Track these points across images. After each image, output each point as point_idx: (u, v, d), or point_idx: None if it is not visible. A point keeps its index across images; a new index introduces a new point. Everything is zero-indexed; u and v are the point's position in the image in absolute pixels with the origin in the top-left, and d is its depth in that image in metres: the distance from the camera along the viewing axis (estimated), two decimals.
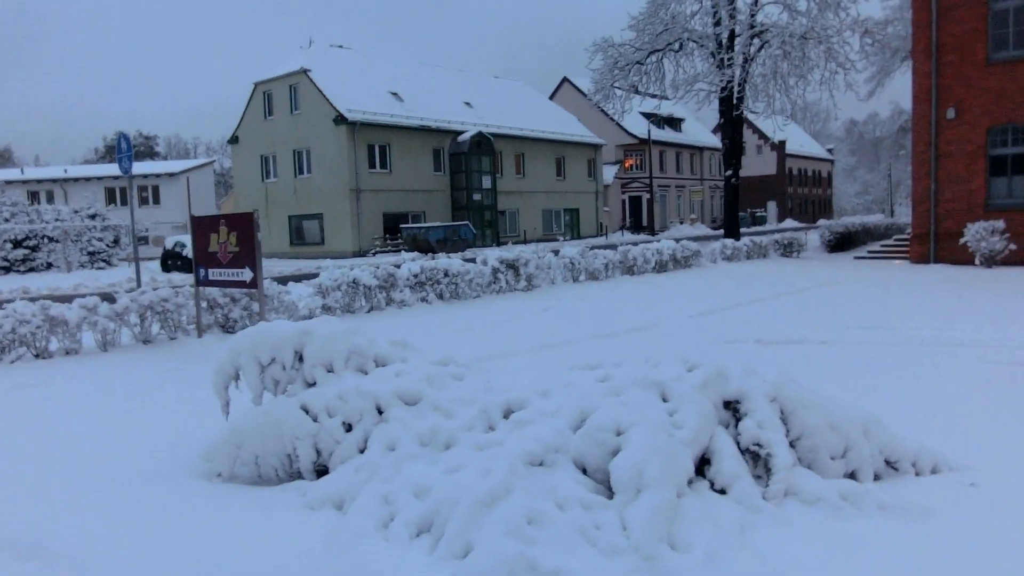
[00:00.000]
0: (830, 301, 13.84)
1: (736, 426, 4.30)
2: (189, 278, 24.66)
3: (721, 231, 55.58)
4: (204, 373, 8.34)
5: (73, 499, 4.44)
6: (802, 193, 77.86)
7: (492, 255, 15.13)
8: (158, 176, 54.14)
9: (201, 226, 10.36)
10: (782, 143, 70.98)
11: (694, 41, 30.09)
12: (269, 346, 4.70)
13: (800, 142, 78.73)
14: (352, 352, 4.79)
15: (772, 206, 72.87)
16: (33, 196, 52.32)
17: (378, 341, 5.03)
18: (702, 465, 4.11)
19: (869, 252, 24.70)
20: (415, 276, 13.64)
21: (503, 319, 12.43)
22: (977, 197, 20.20)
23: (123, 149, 12.07)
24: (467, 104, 43.33)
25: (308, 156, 38.13)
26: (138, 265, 12.24)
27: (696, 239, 27.14)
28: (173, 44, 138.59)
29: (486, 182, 41.30)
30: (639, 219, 57.64)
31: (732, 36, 28.84)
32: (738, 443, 4.22)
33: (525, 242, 42.78)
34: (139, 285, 11.47)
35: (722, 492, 3.96)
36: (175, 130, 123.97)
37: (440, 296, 14.10)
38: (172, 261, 31.09)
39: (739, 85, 28.87)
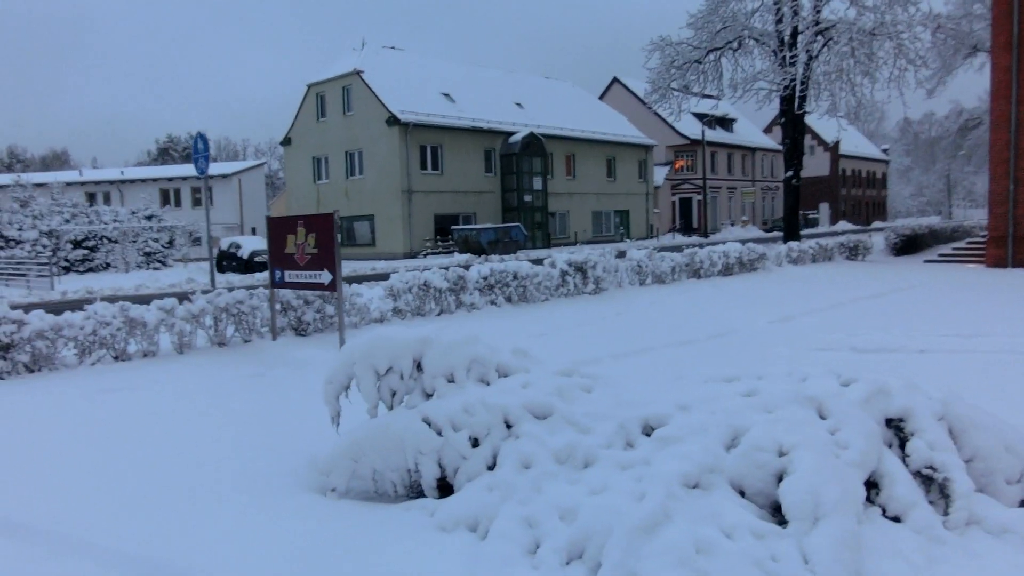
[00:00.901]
0: (912, 306, 13.25)
1: (902, 447, 3.93)
2: (246, 279, 24.92)
3: (773, 233, 54.49)
4: (286, 378, 8.25)
5: (185, 515, 4.28)
6: (856, 195, 75.96)
7: (560, 258, 14.83)
8: (211, 178, 55.03)
9: (277, 227, 10.27)
10: (836, 144, 69.32)
11: (754, 39, 29.41)
12: (387, 354, 4.48)
13: (855, 143, 76.83)
14: (473, 361, 4.54)
15: (825, 208, 71.21)
16: (91, 197, 53.64)
17: (499, 350, 4.78)
18: (868, 490, 3.75)
19: (940, 256, 23.79)
20: (484, 279, 13.42)
21: (576, 324, 12.14)
22: None
23: (200, 149, 12.08)
24: (518, 105, 43.13)
25: (360, 157, 38.32)
26: (213, 266, 12.23)
27: (749, 242, 26.42)
28: (221, 47, 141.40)
29: (536, 183, 41.03)
30: (689, 221, 56.79)
31: (795, 33, 28.09)
32: (906, 465, 3.85)
33: (576, 244, 42.39)
34: (213, 287, 11.44)
35: (895, 520, 3.60)
36: (224, 132, 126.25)
37: (508, 299, 13.86)
38: (227, 262, 31.50)
39: (801, 84, 28.11)
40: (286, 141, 43.20)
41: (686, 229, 55.84)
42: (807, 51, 27.78)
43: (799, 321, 12.15)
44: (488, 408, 4.21)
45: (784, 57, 27.98)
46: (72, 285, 24.35)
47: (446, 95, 39.36)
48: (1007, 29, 19.99)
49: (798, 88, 28.26)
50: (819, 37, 27.85)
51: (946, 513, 3.65)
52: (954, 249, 24.10)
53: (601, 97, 56.78)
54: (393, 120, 35.35)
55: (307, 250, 9.72)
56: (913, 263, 23.41)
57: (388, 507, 4.23)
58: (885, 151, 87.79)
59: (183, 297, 10.65)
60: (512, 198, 40.42)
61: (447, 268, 13.27)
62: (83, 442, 5.90)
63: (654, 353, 9.64)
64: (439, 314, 12.80)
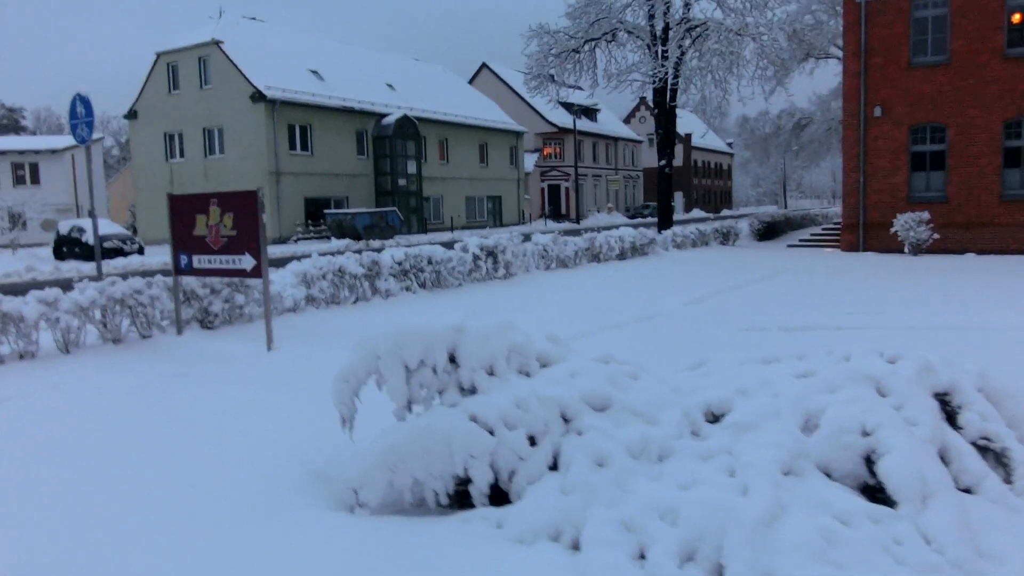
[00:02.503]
0: (803, 288, 14.06)
1: (950, 420, 4.03)
2: (90, 266, 22.35)
3: (647, 220, 56.63)
4: (218, 378, 7.44)
5: (192, 546, 3.67)
6: (706, 184, 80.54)
7: (472, 242, 14.53)
8: (37, 152, 49.31)
9: (182, 206, 9.28)
10: (688, 136, 73.05)
11: (628, 32, 30.19)
12: (419, 346, 4.05)
13: (704, 136, 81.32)
14: (512, 350, 4.20)
15: (679, 196, 74.95)
16: None
17: (534, 337, 4.46)
18: None
19: (800, 241, 25.59)
20: (399, 264, 12.89)
21: (499, 310, 11.90)
22: (900, 191, 21.20)
23: (80, 114, 10.59)
24: (389, 86, 42.04)
25: (221, 135, 35.91)
26: (99, 253, 10.84)
27: (616, 228, 27.13)
28: (49, 5, 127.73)
29: (411, 167, 40.24)
30: (558, 207, 57.89)
31: (667, 29, 29.10)
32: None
33: (452, 229, 42.06)
34: (100, 275, 10.18)
35: (966, 491, 3.67)
36: (44, 102, 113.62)
37: (423, 285, 13.41)
38: (68, 248, 28.20)
39: (673, 78, 29.19)
40: (131, 114, 39.69)
41: (555, 215, 56.89)
42: (679, 46, 28.88)
43: (710, 302, 12.57)
44: (543, 402, 3.90)
45: (657, 51, 28.95)
46: None
47: (314, 72, 37.66)
48: (855, 38, 21.65)
49: (670, 81, 29.36)
50: (689, 34, 29.04)
51: (1008, 482, 3.76)
52: (811, 235, 26.01)
53: (470, 82, 56.53)
54: (258, 96, 33.36)
55: (222, 232, 8.85)
56: (778, 248, 25.01)
57: (437, 521, 3.81)
58: (730, 144, 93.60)
59: (66, 287, 9.38)
60: (386, 182, 39.41)
61: (360, 252, 12.62)
62: (13, 467, 5.00)
63: (591, 338, 9.58)
64: (355, 301, 12.16)
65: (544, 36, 31.03)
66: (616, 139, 65.19)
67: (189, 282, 9.78)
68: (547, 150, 58.20)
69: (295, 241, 34.14)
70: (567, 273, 16.65)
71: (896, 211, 20.52)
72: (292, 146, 35.27)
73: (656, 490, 3.49)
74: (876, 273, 16.06)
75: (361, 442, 4.99)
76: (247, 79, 33.51)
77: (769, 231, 29.48)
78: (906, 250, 19.66)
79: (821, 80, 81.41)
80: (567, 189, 58.43)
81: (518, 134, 51.23)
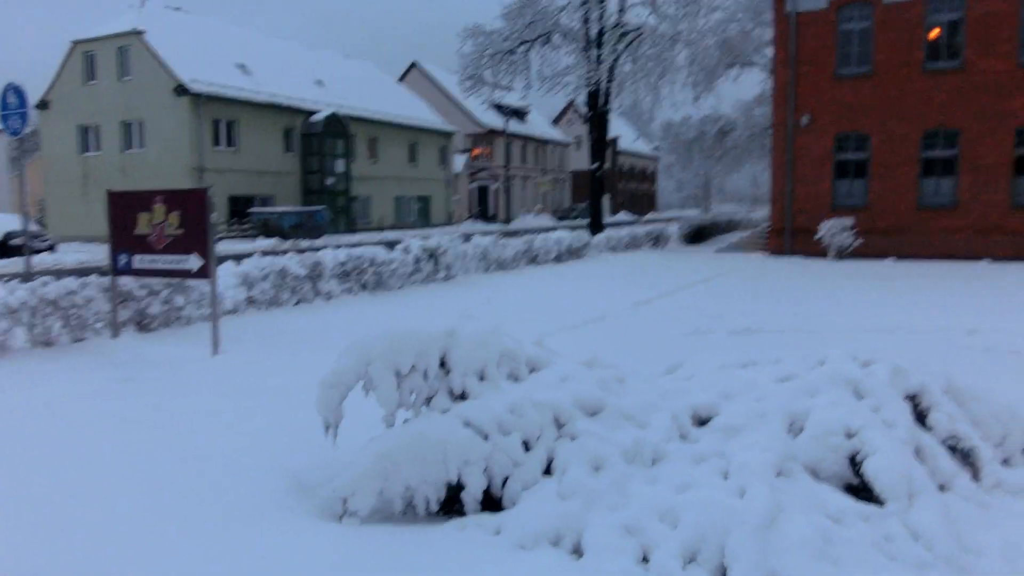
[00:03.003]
0: (741, 291, 14.47)
1: (920, 421, 4.22)
2: (8, 265, 21.09)
3: (565, 221, 57.23)
4: (170, 383, 7.13)
5: (179, 550, 3.51)
6: (632, 188, 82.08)
7: (414, 243, 14.37)
8: None
9: (123, 204, 8.85)
10: (614, 140, 74.24)
11: (563, 35, 30.48)
12: (412, 351, 3.97)
13: (630, 140, 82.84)
14: (503, 355, 4.17)
15: (606, 199, 76.08)
16: None
17: (523, 342, 4.44)
18: None
19: (729, 245, 26.36)
20: (341, 265, 12.64)
21: (446, 312, 11.81)
22: (825, 197, 22.07)
23: (12, 105, 9.94)
24: (319, 83, 41.20)
25: (141, 128, 34.43)
26: (29, 252, 10.19)
27: (546, 230, 27.38)
28: None
29: (339, 166, 39.55)
30: (486, 208, 57.91)
31: (601, 33, 29.52)
32: None
33: (381, 230, 41.53)
34: (30, 274, 9.57)
35: (940, 488, 3.85)
36: None
37: (364, 287, 13.18)
38: None
39: (607, 82, 29.63)
40: (42, 104, 37.63)
41: (483, 216, 56.90)
42: (614, 50, 29.34)
43: (656, 304, 12.79)
44: (537, 407, 3.89)
45: (591, 55, 29.34)
46: None
47: (241, 66, 36.56)
48: (784, 48, 22.44)
49: (603, 86, 29.79)
50: (624, 39, 29.54)
51: (976, 479, 3.96)
52: (740, 239, 26.84)
53: (400, 81, 55.97)
54: (182, 90, 32.16)
55: (167, 231, 8.48)
56: (707, 252, 25.69)
57: (431, 529, 3.75)
58: (656, 149, 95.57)
59: None
60: (314, 180, 38.61)
61: (303, 252, 12.31)
62: None
63: (547, 340, 9.59)
64: (296, 303, 11.86)
65: (479, 36, 31.03)
66: (545, 141, 65.71)
67: (126, 283, 9.33)
68: (476, 151, 58.17)
69: (218, 240, 33.04)
70: (507, 275, 16.68)
71: (821, 217, 21.37)
72: (217, 142, 34.15)
73: (654, 493, 3.53)
74: (806, 277, 16.70)
75: (342, 450, 4.88)
76: (170, 72, 32.25)
77: (697, 235, 30.29)
78: (831, 255, 20.50)
79: (745, 87, 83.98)
80: (496, 190, 58.55)
81: (448, 134, 51.03)
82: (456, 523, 3.75)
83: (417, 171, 48.02)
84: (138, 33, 33.37)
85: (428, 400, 4.11)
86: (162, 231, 8.52)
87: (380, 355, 3.97)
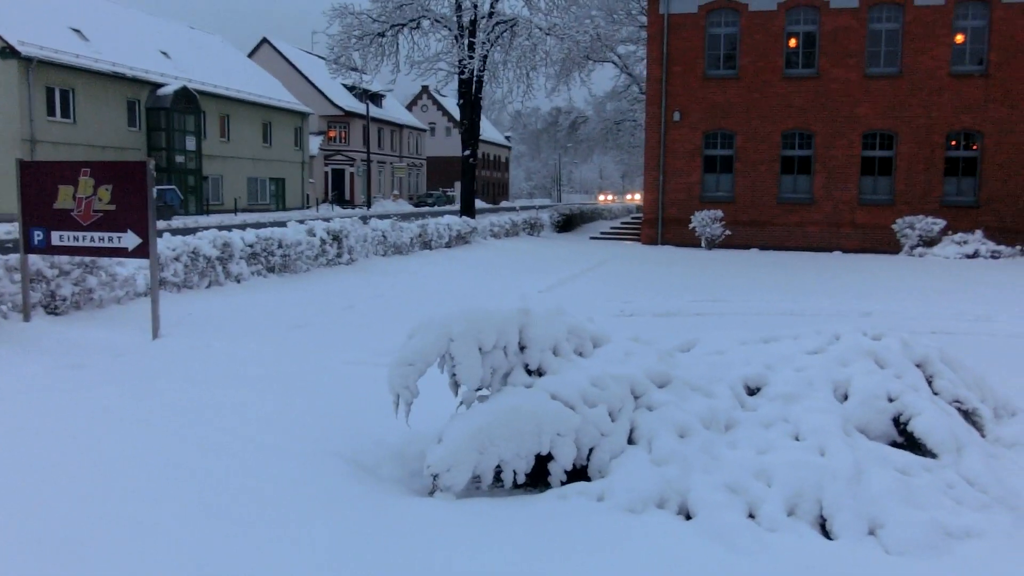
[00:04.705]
0: (633, 277, 15.22)
1: (929, 385, 4.80)
2: None
3: (423, 208, 56.96)
4: (125, 370, 6.58)
5: (290, 539, 3.37)
6: (486, 176, 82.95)
7: (319, 225, 13.89)
8: None
9: (39, 175, 7.97)
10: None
11: (437, 20, 30.29)
12: (493, 328, 4.00)
13: (484, 128, 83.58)
14: (571, 332, 4.30)
15: (459, 186, 76.50)
16: None
17: (582, 319, 4.57)
18: None
19: (602, 233, 27.50)
20: (250, 247, 12.01)
21: (363, 296, 11.59)
22: (695, 190, 23.64)
23: None
24: (164, 54, 38.27)
25: None
26: None
27: (407, 216, 27.20)
28: None
29: (190, 143, 37.05)
30: (342, 192, 56.45)
31: (474, 22, 29.62)
32: None
33: (235, 211, 39.39)
34: None
35: None
36: None
37: (271, 269, 12.61)
38: None
39: (480, 70, 29.82)
40: None
41: (340, 201, 55.44)
42: (488, 39, 29.56)
43: (561, 290, 13.19)
44: (616, 380, 4.06)
45: (464, 43, 29.40)
46: None
47: (76, 31, 33.21)
48: (658, 46, 23.71)
49: (475, 73, 29.96)
50: (497, 28, 29.83)
51: (982, 436, 4.58)
52: (611, 228, 28.09)
53: (249, 57, 53.12)
54: (10, 52, 28.77)
55: (96, 206, 7.74)
56: (582, 239, 26.65)
57: (531, 500, 3.81)
58: (508, 138, 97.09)
59: None
60: (161, 158, 35.87)
61: (213, 231, 11.58)
62: None
63: None
64: (208, 286, 11.16)
65: (347, 17, 30.16)
66: (402, 126, 64.96)
67: (33, 262, 8.40)
68: (332, 133, 56.54)
69: None
70: (404, 260, 16.52)
71: (692, 209, 22.84)
72: (51, 112, 30.88)
73: (739, 456, 3.83)
74: (688, 264, 17.85)
75: (388, 430, 4.81)
76: None
77: (567, 223, 31.33)
78: (703, 245, 21.98)
79: (598, 83, 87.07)
80: (352, 174, 57.23)
81: (303, 115, 49.17)
82: (555, 492, 3.85)
83: (271, 152, 45.92)
84: None
85: (504, 376, 4.17)
86: (90, 206, 7.76)
87: (462, 333, 3.98)
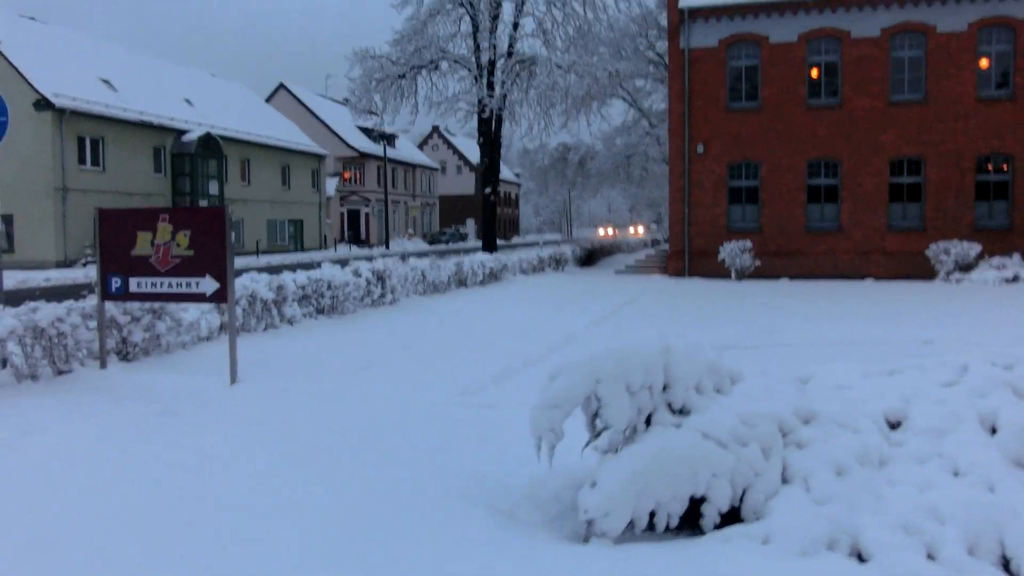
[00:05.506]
0: (673, 310, 15.15)
1: None
2: None
3: (438, 246, 57.26)
4: (215, 416, 6.56)
5: None
6: (498, 212, 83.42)
7: (364, 267, 13.99)
8: None
9: (118, 222, 8.09)
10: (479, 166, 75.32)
11: (456, 61, 30.76)
12: (640, 368, 4.01)
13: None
14: (710, 369, 4.30)
15: (471, 223, 76.90)
16: None
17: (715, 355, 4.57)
18: None
19: (627, 267, 27.51)
20: (302, 288, 12.11)
21: (415, 336, 11.58)
22: (720, 221, 23.70)
23: None
24: (188, 102, 38.96)
25: None
26: (0, 274, 8.87)
27: (422, 254, 27.22)
28: None
29: (213, 187, 37.51)
30: (358, 232, 56.83)
31: (492, 62, 30.06)
32: None
33: (257, 254, 39.68)
34: (2, 301, 8.39)
35: None
36: None
37: (320, 311, 12.68)
38: None
39: (499, 108, 30.20)
40: None
41: (356, 240, 55.78)
42: (509, 79, 29.98)
43: (607, 325, 13.12)
44: (764, 418, 4.05)
45: (482, 83, 29.81)
46: None
47: (106, 81, 33.91)
48: (679, 82, 23.96)
49: (495, 112, 30.33)
50: (517, 67, 30.28)
51: None
52: (636, 261, 28.11)
53: (267, 101, 53.98)
54: (44, 104, 29.36)
55: (175, 252, 7.84)
56: (607, 273, 26.64)
57: (693, 544, 3.75)
58: (517, 175, 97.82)
59: None
60: (185, 202, 36.34)
61: (270, 274, 11.68)
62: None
63: (545, 362, 9.61)
64: (264, 328, 11.21)
65: (368, 60, 30.68)
66: (414, 166, 65.60)
67: (107, 309, 8.48)
68: (347, 174, 57.12)
69: (83, 265, 30.29)
70: (444, 298, 16.57)
71: (718, 240, 22.88)
72: (82, 160, 31.40)
73: (905, 493, 3.79)
74: (723, 296, 17.81)
75: (505, 472, 4.76)
76: (30, 84, 29.32)
77: (589, 257, 31.41)
78: (732, 276, 21.97)
79: (607, 118, 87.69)
80: (367, 214, 57.69)
81: (320, 157, 49.78)
82: (716, 536, 3.79)
83: (290, 194, 46.41)
84: None
85: (648, 416, 4.16)
86: (168, 252, 7.86)
87: (610, 374, 3.98)
